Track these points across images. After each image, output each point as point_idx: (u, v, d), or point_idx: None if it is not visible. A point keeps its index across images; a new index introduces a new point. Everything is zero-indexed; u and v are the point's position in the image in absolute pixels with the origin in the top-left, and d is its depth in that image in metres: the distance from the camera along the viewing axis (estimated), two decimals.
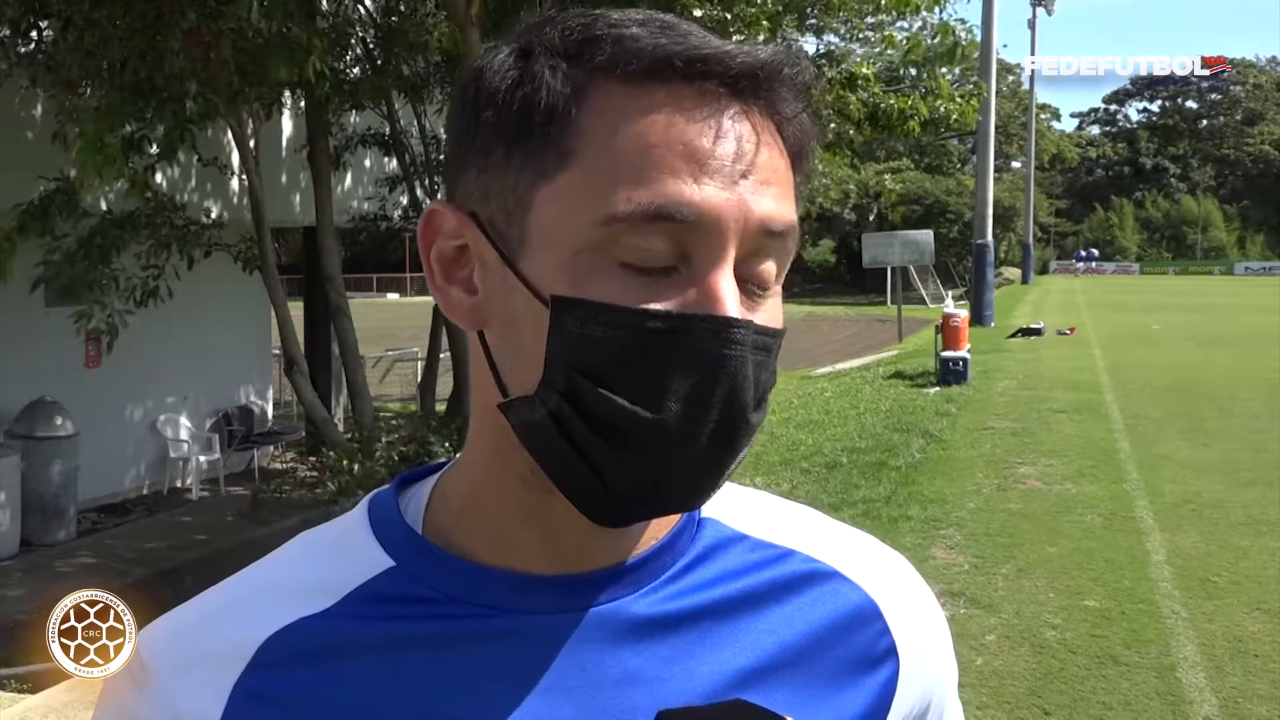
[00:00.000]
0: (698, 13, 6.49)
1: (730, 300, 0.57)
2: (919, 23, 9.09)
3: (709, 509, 0.69)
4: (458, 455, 0.70)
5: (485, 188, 0.61)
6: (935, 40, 9.24)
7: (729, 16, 6.74)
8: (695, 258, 0.58)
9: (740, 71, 0.59)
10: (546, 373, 0.58)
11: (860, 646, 0.69)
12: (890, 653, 0.70)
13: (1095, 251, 66.37)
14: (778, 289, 0.62)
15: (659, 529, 0.67)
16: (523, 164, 0.59)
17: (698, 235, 0.57)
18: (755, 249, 0.59)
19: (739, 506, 0.72)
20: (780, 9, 7.20)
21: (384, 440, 7.59)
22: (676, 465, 0.58)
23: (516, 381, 0.61)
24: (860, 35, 10.71)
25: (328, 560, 0.67)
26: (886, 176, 14.65)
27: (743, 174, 0.58)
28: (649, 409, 0.57)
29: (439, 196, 0.65)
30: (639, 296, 0.57)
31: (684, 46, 0.58)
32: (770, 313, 0.61)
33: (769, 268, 0.61)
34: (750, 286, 0.60)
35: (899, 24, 8.76)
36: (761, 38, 7.03)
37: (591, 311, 0.57)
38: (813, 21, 8.19)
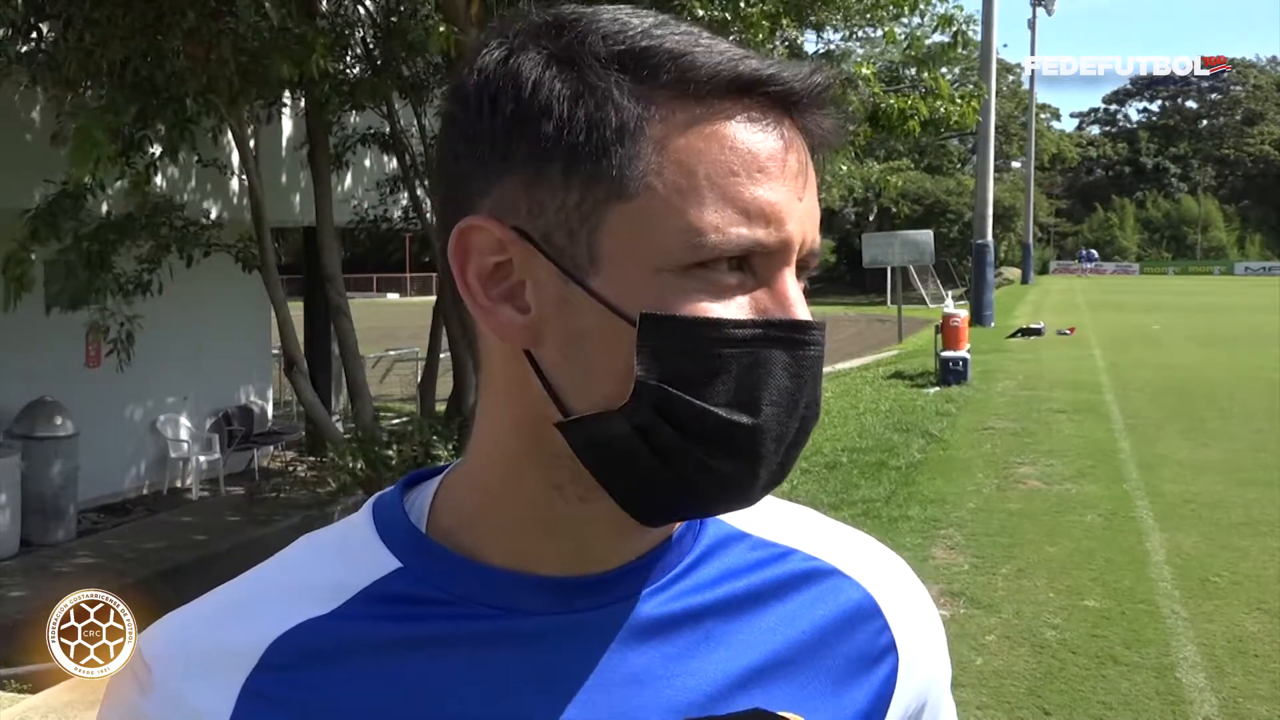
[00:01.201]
0: (699, 12, 6.48)
1: (801, 305, 0.61)
2: (918, 19, 9.08)
3: None
4: (460, 459, 0.69)
5: (537, 203, 0.60)
6: (936, 34, 9.25)
7: (728, 17, 6.73)
8: (762, 269, 0.60)
9: (801, 91, 0.61)
10: (638, 388, 0.58)
11: (861, 643, 0.70)
12: (890, 649, 0.71)
13: (1094, 252, 66.36)
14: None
15: (665, 529, 0.67)
16: (589, 182, 0.59)
17: (770, 253, 0.60)
18: (801, 261, 0.62)
19: None
20: (779, 9, 7.19)
21: (385, 439, 7.59)
22: (765, 463, 0.60)
23: (583, 397, 0.60)
24: (860, 34, 10.71)
25: (334, 561, 0.67)
26: (890, 176, 14.65)
27: (800, 195, 0.61)
28: (747, 415, 0.59)
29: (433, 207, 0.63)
30: (716, 305, 0.59)
31: (746, 66, 0.59)
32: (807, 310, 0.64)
33: (803, 273, 0.64)
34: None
35: (899, 21, 8.74)
36: (760, 37, 7.02)
37: (682, 326, 0.58)
38: (812, 19, 8.17)
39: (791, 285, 0.60)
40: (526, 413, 0.62)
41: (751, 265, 0.59)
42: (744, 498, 0.62)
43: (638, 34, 0.60)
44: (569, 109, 0.59)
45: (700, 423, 0.58)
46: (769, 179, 0.59)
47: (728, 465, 0.59)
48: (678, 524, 0.68)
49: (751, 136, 0.59)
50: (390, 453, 7.11)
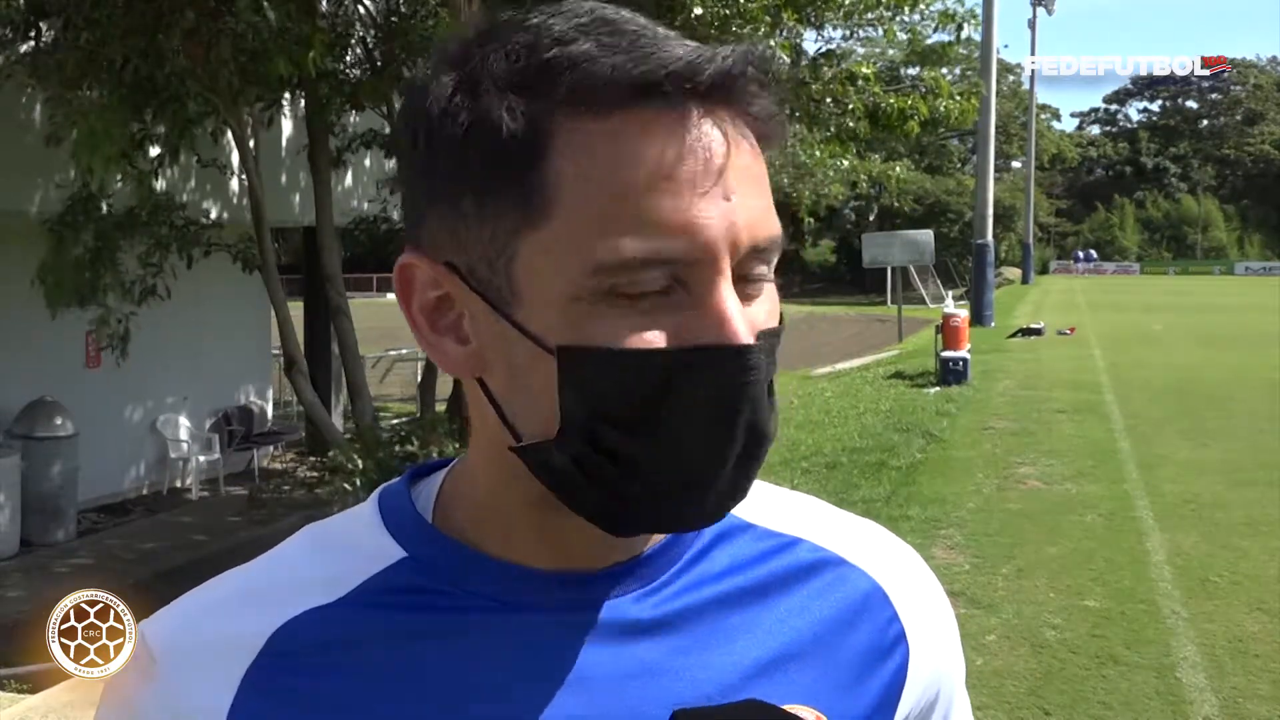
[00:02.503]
0: (699, 10, 6.48)
1: (738, 322, 0.56)
2: (918, 17, 9.06)
3: None
4: (465, 453, 0.69)
5: (458, 237, 0.59)
6: (936, 33, 9.22)
7: (729, 13, 6.73)
8: (693, 283, 0.56)
9: (711, 82, 0.56)
10: (564, 422, 0.58)
11: (871, 633, 0.69)
12: (900, 639, 0.70)
13: (1094, 253, 66.30)
14: (770, 285, 0.61)
15: None
16: (499, 213, 0.57)
17: (692, 265, 0.56)
18: (747, 262, 0.58)
19: None
20: (781, 3, 7.18)
21: (387, 439, 7.59)
22: (705, 491, 0.59)
23: (528, 424, 0.60)
24: (860, 33, 10.70)
25: (338, 551, 0.66)
26: (890, 173, 14.65)
27: (725, 193, 0.56)
28: (676, 445, 0.57)
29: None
30: (641, 328, 0.56)
31: (647, 66, 0.55)
32: (769, 306, 0.60)
33: (762, 270, 0.60)
34: (748, 285, 0.59)
35: (899, 20, 8.72)
36: (762, 32, 7.01)
37: (601, 357, 0.56)
38: (813, 16, 8.15)
39: (726, 299, 0.56)
40: (493, 435, 0.62)
41: (681, 280, 0.56)
42: (694, 520, 0.61)
43: (547, 44, 0.56)
44: (465, 138, 0.57)
45: (628, 454, 0.57)
46: (677, 187, 0.55)
47: (665, 492, 0.58)
48: None
49: (655, 146, 0.55)
50: (397, 449, 7.11)
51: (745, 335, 0.56)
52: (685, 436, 0.57)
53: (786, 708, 0.64)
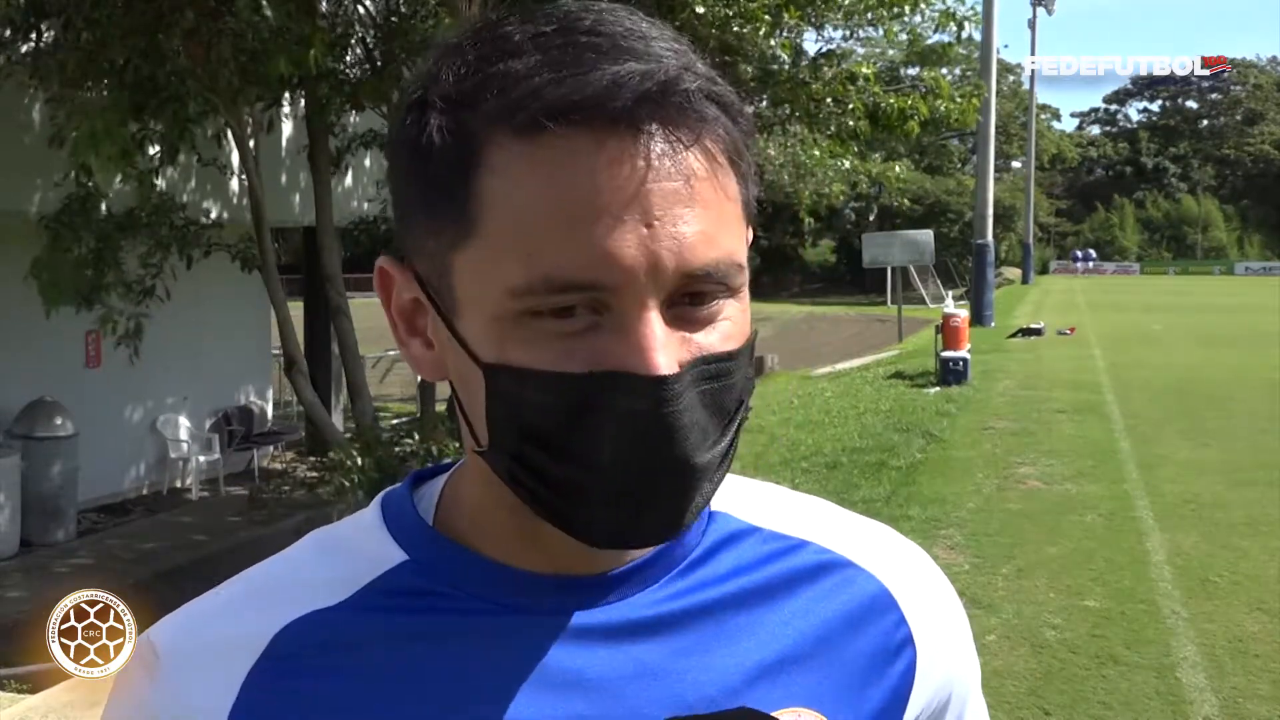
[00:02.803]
0: (700, 9, 6.48)
1: (657, 352, 0.55)
2: (919, 18, 9.05)
3: (719, 502, 0.69)
4: (462, 459, 0.70)
5: (417, 244, 0.61)
6: (936, 34, 9.21)
7: (730, 13, 6.73)
8: (616, 309, 0.55)
9: (633, 102, 0.54)
10: (491, 436, 0.59)
11: (877, 636, 0.69)
12: (907, 642, 0.70)
13: (1093, 252, 66.26)
14: (736, 298, 0.59)
15: None
16: (439, 228, 0.58)
17: (609, 293, 0.55)
18: (684, 286, 0.56)
19: (749, 499, 0.72)
20: (782, 2, 7.18)
21: (388, 438, 7.59)
22: (631, 515, 0.58)
23: (481, 432, 0.61)
24: (860, 32, 10.69)
25: (341, 555, 0.67)
26: (889, 173, 14.66)
27: (647, 220, 0.54)
28: (589, 468, 0.57)
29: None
30: (562, 351, 0.56)
31: (563, 90, 0.54)
32: (727, 327, 0.58)
33: (713, 292, 0.57)
34: (697, 310, 0.57)
35: (899, 19, 8.71)
36: (762, 32, 7.01)
37: (518, 377, 0.57)
38: (813, 16, 8.15)
39: (646, 328, 0.54)
40: (467, 439, 0.63)
41: (606, 306, 0.55)
42: (633, 541, 0.60)
43: (496, 56, 0.56)
44: (412, 155, 0.59)
45: (550, 473, 0.58)
46: (591, 213, 0.54)
47: (594, 512, 0.58)
48: None
49: (571, 170, 0.54)
50: (397, 449, 7.11)
51: (664, 366, 0.54)
52: (601, 462, 0.56)
53: (786, 712, 0.64)
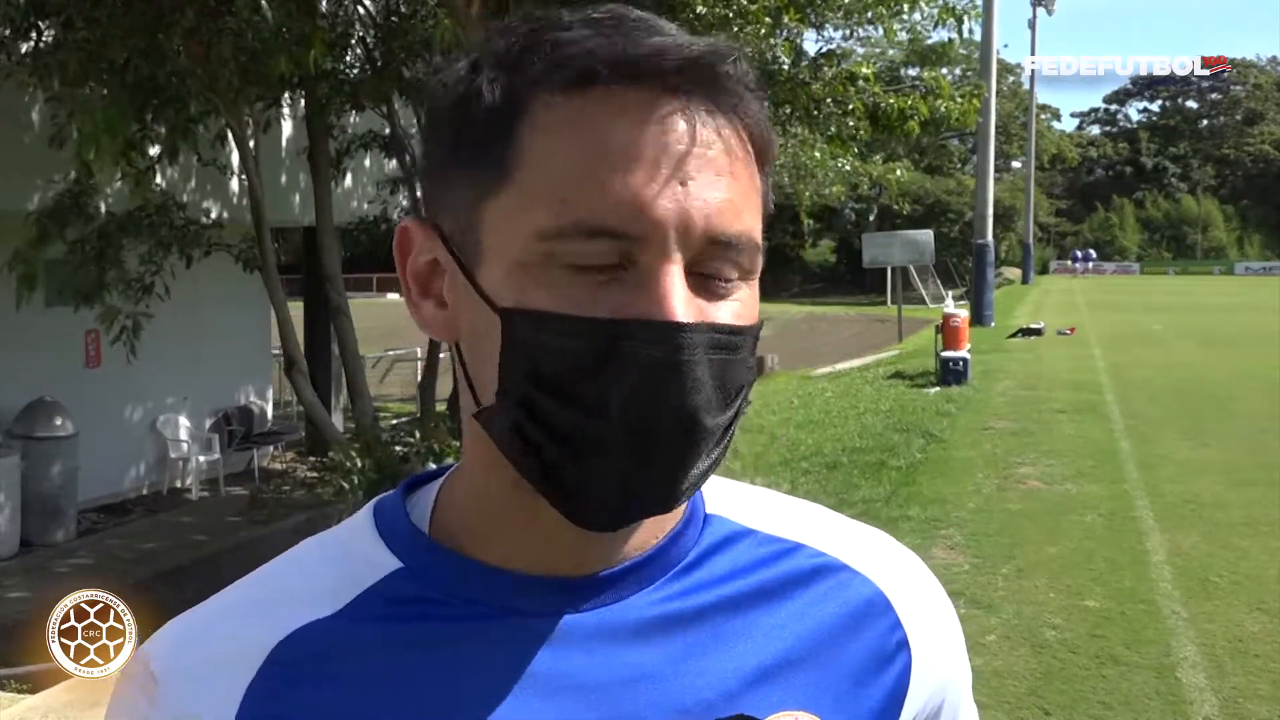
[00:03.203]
0: (700, 9, 6.48)
1: (677, 302, 0.56)
2: (918, 16, 9.02)
3: (714, 505, 0.70)
4: (458, 461, 0.70)
5: (444, 202, 0.62)
6: (936, 31, 9.19)
7: (730, 14, 6.72)
8: (640, 263, 0.57)
9: (675, 68, 0.57)
10: (501, 383, 0.59)
11: (873, 640, 0.69)
12: (903, 646, 0.70)
13: (1093, 252, 66.19)
14: (748, 283, 0.61)
15: (661, 526, 0.66)
16: (472, 179, 0.60)
17: (638, 244, 0.57)
18: (706, 255, 0.58)
19: (744, 502, 0.72)
20: (782, 3, 7.18)
21: (389, 439, 7.59)
22: (636, 470, 0.58)
23: (485, 391, 0.61)
24: (860, 32, 10.68)
25: (335, 564, 0.67)
26: (890, 176, 14.69)
27: (682, 179, 0.57)
28: (599, 416, 0.57)
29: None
30: (585, 299, 0.57)
31: (616, 49, 0.57)
32: (738, 308, 0.60)
33: (730, 272, 0.59)
34: (713, 283, 0.59)
35: (899, 18, 8.68)
36: (762, 32, 7.01)
37: (536, 321, 0.57)
38: (813, 16, 8.14)
39: (669, 280, 0.56)
40: (468, 407, 0.64)
41: (631, 259, 0.57)
42: (630, 506, 0.60)
43: (547, 29, 0.59)
44: (457, 109, 0.61)
45: (559, 422, 0.58)
46: (630, 163, 0.56)
47: (598, 468, 0.58)
48: (675, 521, 0.67)
49: (614, 123, 0.57)
50: (397, 449, 7.11)
51: (682, 315, 0.56)
52: (612, 408, 0.57)
53: (782, 715, 0.64)
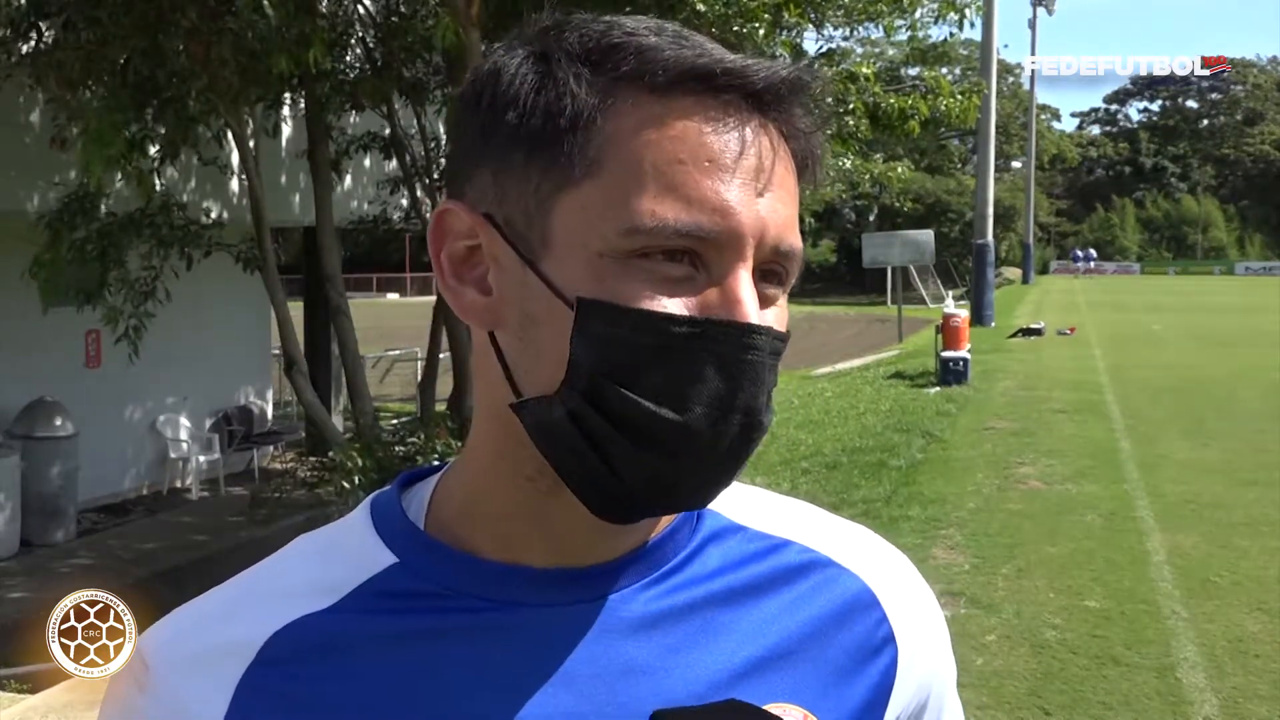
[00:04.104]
0: (701, 7, 6.47)
1: (751, 306, 0.59)
2: (919, 12, 9.00)
3: None
4: (457, 456, 0.70)
5: (502, 189, 0.62)
6: (937, 26, 9.17)
7: (730, 12, 6.72)
8: (714, 265, 0.59)
9: (763, 86, 0.60)
10: (570, 373, 0.59)
11: (859, 634, 0.70)
12: (889, 641, 0.71)
13: (1094, 252, 66.13)
14: (784, 295, 0.64)
15: (658, 521, 0.67)
16: (546, 168, 0.60)
17: (719, 247, 0.59)
18: (768, 263, 0.61)
19: (735, 499, 0.73)
20: (782, 1, 7.17)
21: (389, 439, 7.59)
22: (695, 465, 0.60)
23: (532, 381, 0.61)
24: (860, 31, 10.67)
25: (331, 558, 0.67)
26: (891, 173, 14.70)
27: (761, 190, 0.60)
28: (674, 411, 0.58)
29: (442, 196, 0.66)
30: (661, 294, 0.58)
31: (707, 59, 0.59)
32: (780, 313, 0.63)
33: (776, 282, 0.63)
34: (765, 290, 0.61)
35: (899, 15, 8.67)
36: (762, 31, 7.00)
37: (617, 314, 0.58)
38: (813, 15, 8.13)
39: (744, 285, 0.59)
40: (495, 397, 0.64)
41: (704, 261, 0.59)
42: (678, 498, 0.62)
43: (619, 33, 0.61)
44: (531, 99, 0.61)
45: (627, 413, 0.58)
46: (718, 170, 0.59)
47: (655, 460, 0.59)
48: (670, 518, 0.68)
49: (703, 129, 0.59)
50: (397, 449, 7.11)
51: (755, 318, 0.59)
52: (682, 405, 0.58)
53: (770, 707, 0.65)
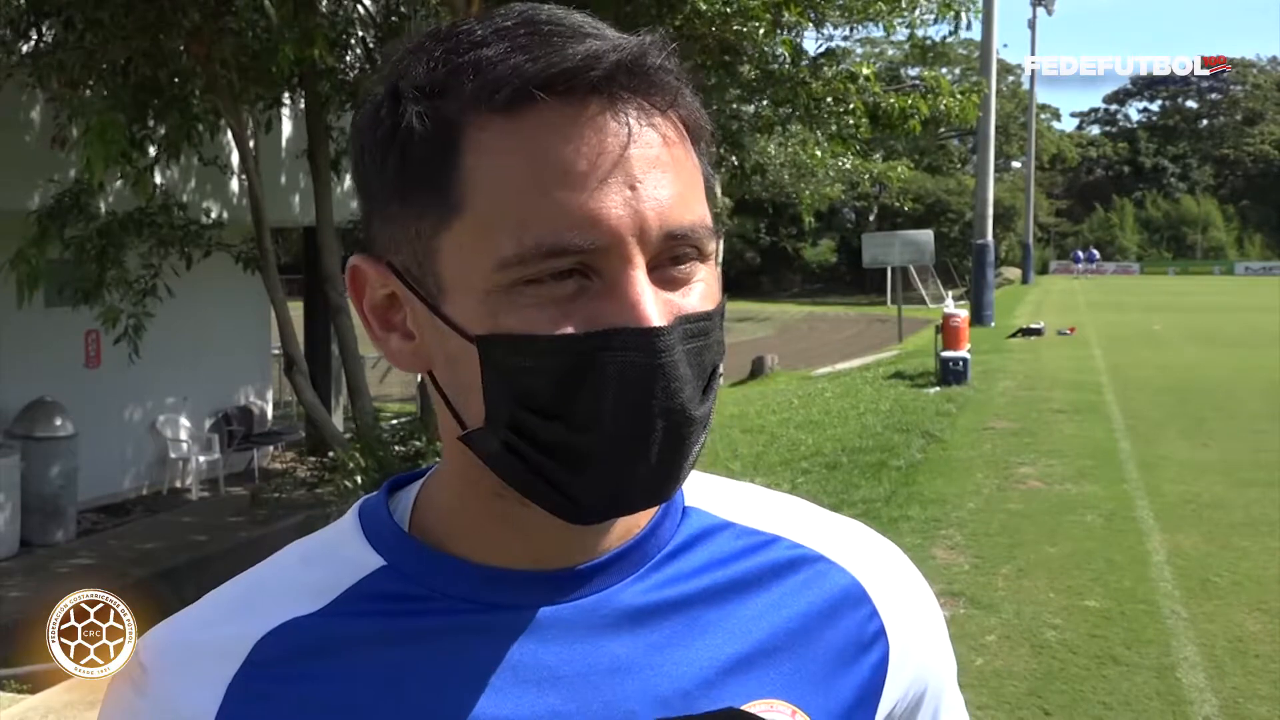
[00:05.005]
0: (702, 6, 6.47)
1: (648, 306, 0.57)
2: (918, 11, 9.00)
3: (693, 498, 0.71)
4: (441, 460, 0.71)
5: (393, 237, 0.62)
6: (936, 26, 9.17)
7: (730, 11, 6.72)
8: (604, 272, 0.58)
9: (605, 74, 0.58)
10: (488, 409, 0.60)
11: (849, 630, 0.70)
12: (880, 635, 0.71)
13: (1096, 252, 66.05)
14: (706, 264, 0.62)
15: (641, 518, 0.67)
16: (420, 214, 0.60)
17: (599, 255, 0.57)
18: (665, 250, 0.59)
19: (723, 496, 0.72)
20: (781, 1, 7.17)
21: (389, 438, 7.59)
22: (634, 472, 0.59)
23: (471, 415, 0.61)
24: (860, 29, 10.65)
25: (320, 562, 0.68)
26: (890, 173, 14.71)
27: (629, 182, 0.58)
28: (591, 429, 0.58)
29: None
30: (557, 315, 0.57)
31: (542, 64, 0.57)
32: (702, 289, 0.61)
33: (687, 254, 0.60)
34: (673, 272, 0.60)
35: (899, 14, 8.67)
36: (762, 31, 7.00)
37: (515, 345, 0.58)
38: (813, 14, 8.13)
39: (636, 286, 0.57)
40: (448, 427, 0.64)
41: (594, 270, 0.58)
42: (632, 503, 0.62)
43: (461, 50, 0.59)
44: (387, 146, 0.60)
45: (551, 440, 0.58)
46: (576, 179, 0.57)
47: (596, 477, 0.59)
48: (651, 513, 0.68)
49: (553, 140, 0.57)
50: (397, 449, 7.11)
51: (656, 318, 0.57)
52: (603, 419, 0.58)
53: (759, 704, 0.65)
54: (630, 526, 0.67)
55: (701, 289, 0.61)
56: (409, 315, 0.63)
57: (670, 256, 0.59)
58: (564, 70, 0.57)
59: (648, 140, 0.59)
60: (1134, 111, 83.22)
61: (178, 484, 10.19)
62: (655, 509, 0.68)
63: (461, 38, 0.59)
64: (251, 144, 8.06)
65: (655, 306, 0.57)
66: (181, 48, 6.52)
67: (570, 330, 0.57)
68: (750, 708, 0.65)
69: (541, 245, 0.56)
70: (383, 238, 0.62)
